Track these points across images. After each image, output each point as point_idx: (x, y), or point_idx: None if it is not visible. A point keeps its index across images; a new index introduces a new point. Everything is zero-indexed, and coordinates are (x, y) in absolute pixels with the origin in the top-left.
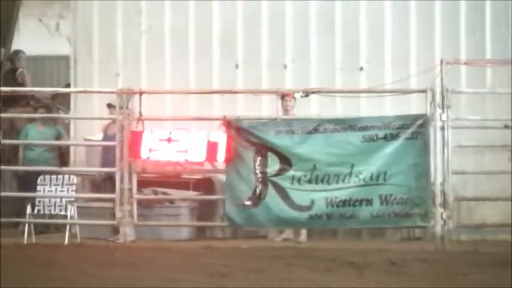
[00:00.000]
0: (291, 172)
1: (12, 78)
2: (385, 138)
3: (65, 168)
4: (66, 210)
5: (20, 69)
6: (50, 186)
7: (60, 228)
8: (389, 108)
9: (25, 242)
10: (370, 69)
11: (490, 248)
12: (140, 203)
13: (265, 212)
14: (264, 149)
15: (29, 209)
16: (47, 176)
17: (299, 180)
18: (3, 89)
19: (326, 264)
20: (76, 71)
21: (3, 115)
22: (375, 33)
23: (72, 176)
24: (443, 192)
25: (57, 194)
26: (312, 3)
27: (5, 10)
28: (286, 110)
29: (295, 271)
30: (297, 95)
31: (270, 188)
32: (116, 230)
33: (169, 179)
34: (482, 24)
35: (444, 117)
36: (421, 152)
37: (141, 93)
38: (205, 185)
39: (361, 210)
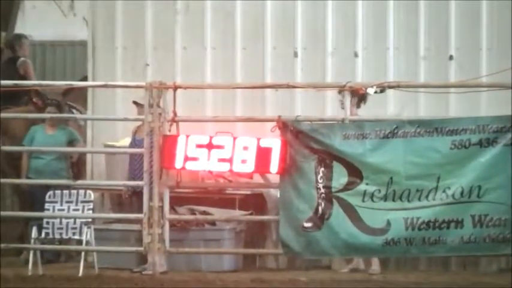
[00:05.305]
0: (362, 186)
1: (12, 69)
2: (479, 144)
3: (79, 182)
4: (81, 233)
5: (22, 59)
6: (61, 204)
7: (73, 257)
8: (486, 107)
9: (30, 273)
10: (462, 59)
11: None
12: (174, 225)
13: (329, 237)
14: (328, 157)
15: (34, 233)
16: (57, 192)
17: (372, 196)
18: (1, 82)
19: None
20: (95, 60)
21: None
22: (469, 13)
23: (88, 192)
24: None
25: (69, 214)
26: None
27: None
28: (356, 109)
29: None
30: (370, 91)
31: (336, 206)
32: (143, 258)
33: (210, 195)
34: None
35: None
36: None
37: (175, 88)
38: (255, 202)
39: (449, 234)
